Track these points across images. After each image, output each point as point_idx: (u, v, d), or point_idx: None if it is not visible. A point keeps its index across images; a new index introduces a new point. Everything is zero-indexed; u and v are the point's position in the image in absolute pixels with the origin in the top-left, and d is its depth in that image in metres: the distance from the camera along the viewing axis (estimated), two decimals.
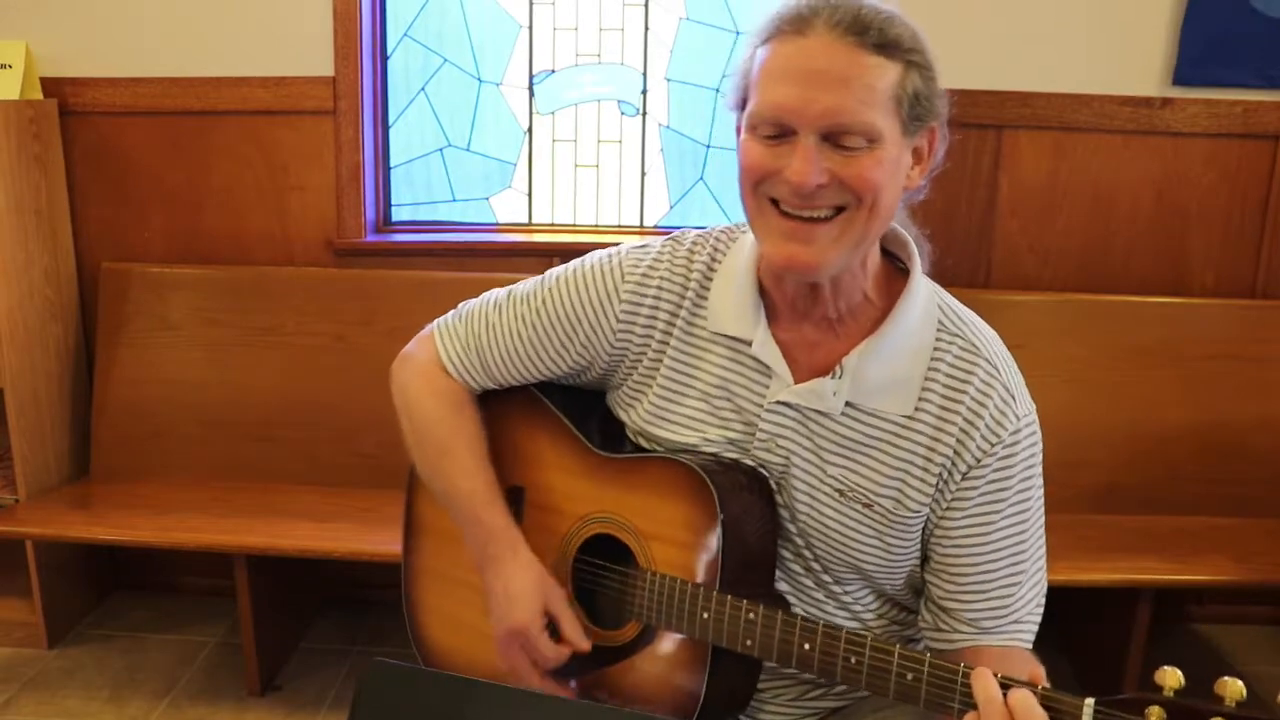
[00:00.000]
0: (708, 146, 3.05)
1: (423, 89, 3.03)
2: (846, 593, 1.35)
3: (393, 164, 3.07)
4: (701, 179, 3.07)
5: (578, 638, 1.36)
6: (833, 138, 1.13)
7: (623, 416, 1.42)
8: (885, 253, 1.31)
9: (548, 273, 1.43)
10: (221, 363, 2.88)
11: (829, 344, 1.28)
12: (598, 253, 1.41)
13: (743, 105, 1.20)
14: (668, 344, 1.35)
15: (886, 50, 1.13)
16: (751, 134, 1.19)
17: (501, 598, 1.37)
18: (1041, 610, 1.31)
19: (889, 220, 1.22)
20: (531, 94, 3.04)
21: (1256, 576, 2.46)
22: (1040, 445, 1.29)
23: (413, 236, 3.04)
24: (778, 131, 1.15)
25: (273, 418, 2.87)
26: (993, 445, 1.24)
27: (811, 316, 1.28)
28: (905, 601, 1.39)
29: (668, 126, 3.05)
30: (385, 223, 3.08)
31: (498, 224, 3.12)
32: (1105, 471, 2.74)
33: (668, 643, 1.33)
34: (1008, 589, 1.28)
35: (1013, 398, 1.26)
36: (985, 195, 2.86)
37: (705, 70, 3.00)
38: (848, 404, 1.27)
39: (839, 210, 1.16)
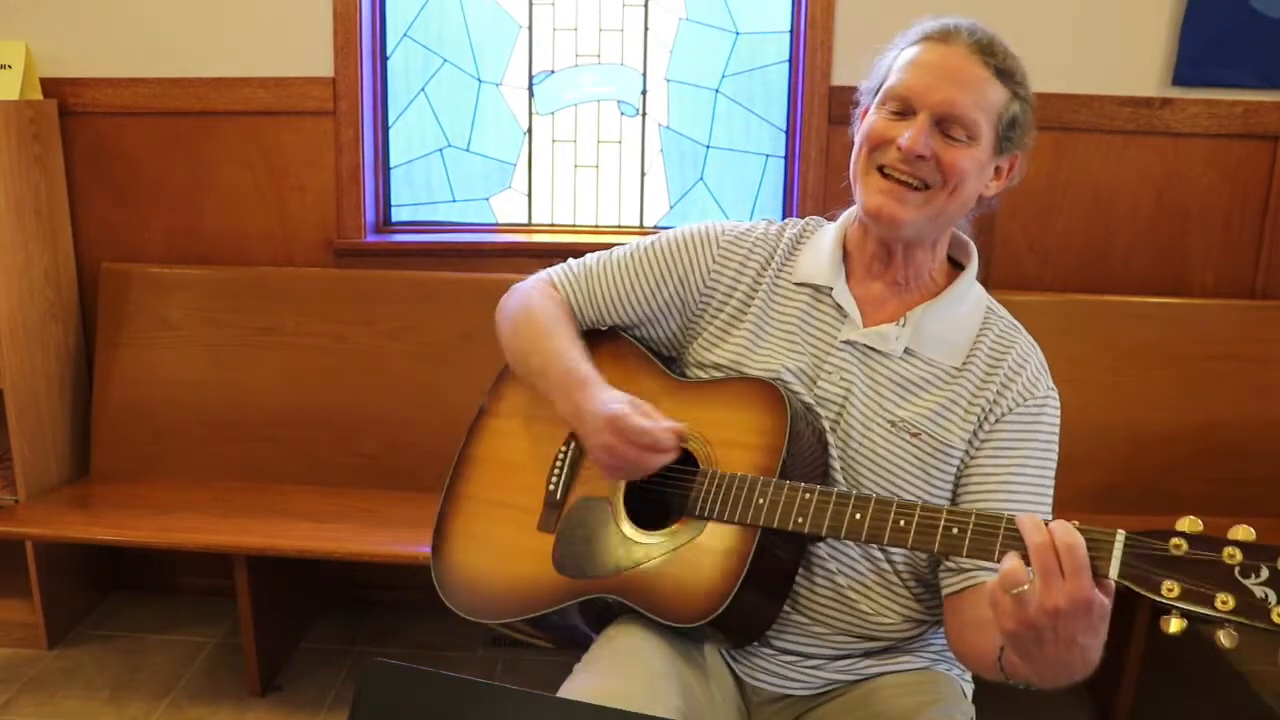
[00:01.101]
0: (707, 147, 3.05)
1: (423, 89, 3.04)
2: (880, 547, 1.45)
3: (393, 164, 3.08)
4: (701, 179, 3.08)
5: (671, 422, 1.43)
6: (943, 124, 1.41)
7: (707, 356, 1.58)
8: (949, 258, 1.57)
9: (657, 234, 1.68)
10: (222, 363, 2.88)
11: (895, 302, 1.53)
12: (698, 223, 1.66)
13: (875, 92, 1.48)
14: (756, 294, 1.58)
15: (1003, 76, 1.42)
16: (879, 109, 1.46)
17: (593, 407, 1.46)
18: None
19: (963, 210, 1.47)
20: (531, 94, 3.04)
21: None
22: (1059, 425, 1.49)
23: (413, 237, 3.04)
24: (902, 108, 1.43)
25: (273, 418, 2.87)
26: (1025, 400, 1.47)
27: (884, 278, 1.53)
28: (927, 577, 1.48)
29: (667, 127, 3.05)
30: (385, 223, 3.08)
31: (498, 224, 3.12)
32: (1105, 472, 2.74)
33: (716, 532, 1.40)
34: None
35: (1045, 371, 1.52)
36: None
37: (705, 71, 3.01)
38: (906, 349, 1.49)
39: (928, 187, 1.42)
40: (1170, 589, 1.08)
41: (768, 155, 3.04)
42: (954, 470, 1.46)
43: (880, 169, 1.44)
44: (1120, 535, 1.12)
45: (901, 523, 1.27)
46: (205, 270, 2.93)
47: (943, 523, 1.24)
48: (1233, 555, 1.06)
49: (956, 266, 1.58)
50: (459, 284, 2.85)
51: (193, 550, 2.56)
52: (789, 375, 1.50)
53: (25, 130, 2.73)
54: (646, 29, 2.99)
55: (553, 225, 3.12)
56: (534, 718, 1.08)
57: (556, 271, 1.71)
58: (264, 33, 2.85)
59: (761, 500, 1.36)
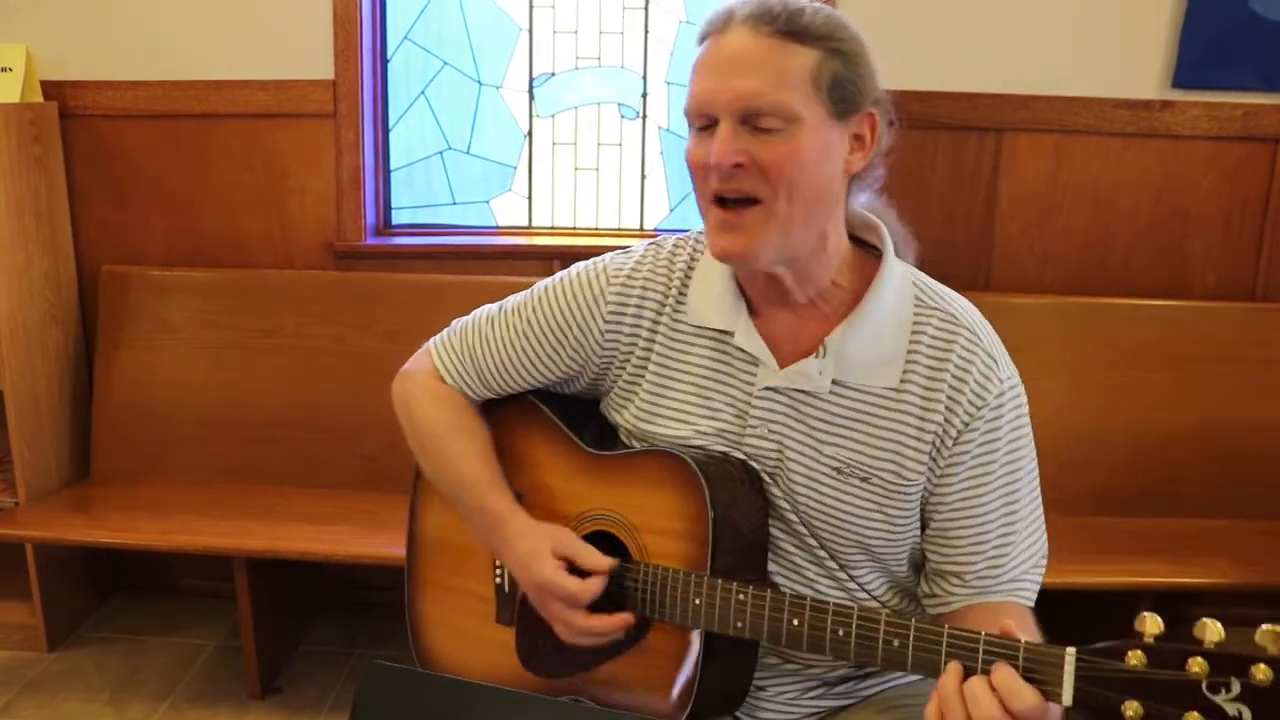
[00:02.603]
0: None
1: (423, 92, 3.04)
2: (853, 578, 1.37)
3: (393, 167, 3.08)
4: None
5: (597, 562, 1.35)
6: (750, 120, 1.20)
7: (616, 419, 1.45)
8: (856, 240, 1.35)
9: (536, 285, 1.49)
10: (222, 365, 2.89)
11: (809, 328, 1.32)
12: (583, 263, 1.46)
13: None
14: (654, 342, 1.40)
15: (796, 36, 1.20)
16: (691, 131, 1.26)
17: (519, 568, 1.39)
18: (1042, 571, 1.34)
19: (823, 203, 1.25)
20: (531, 97, 3.05)
21: (1257, 579, 2.46)
22: (1026, 406, 1.32)
23: (413, 239, 3.04)
24: (705, 123, 1.23)
25: (273, 420, 2.87)
26: (979, 409, 1.27)
27: (786, 304, 1.32)
28: (909, 585, 1.41)
29: (668, 129, 3.05)
30: (385, 226, 3.08)
31: (498, 227, 3.13)
32: (1105, 474, 2.74)
33: (662, 634, 1.34)
34: (1001, 548, 1.30)
35: (995, 362, 1.29)
36: (985, 198, 2.86)
37: None
38: (834, 382, 1.30)
39: (758, 201, 1.22)
40: (1133, 710, 0.97)
41: None
42: (916, 503, 1.32)
43: (718, 199, 1.23)
44: (1070, 655, 1.02)
45: (840, 632, 1.19)
46: (205, 272, 2.93)
47: (881, 635, 1.16)
48: (1199, 667, 0.96)
49: (870, 250, 1.36)
50: (459, 286, 2.85)
51: (193, 552, 2.57)
52: (704, 439, 1.36)
53: (25, 132, 2.73)
54: (647, 31, 2.99)
55: (553, 228, 3.12)
56: None
57: (441, 358, 1.52)
58: (264, 35, 2.85)
59: (699, 601, 1.28)
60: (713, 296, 1.36)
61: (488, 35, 3.01)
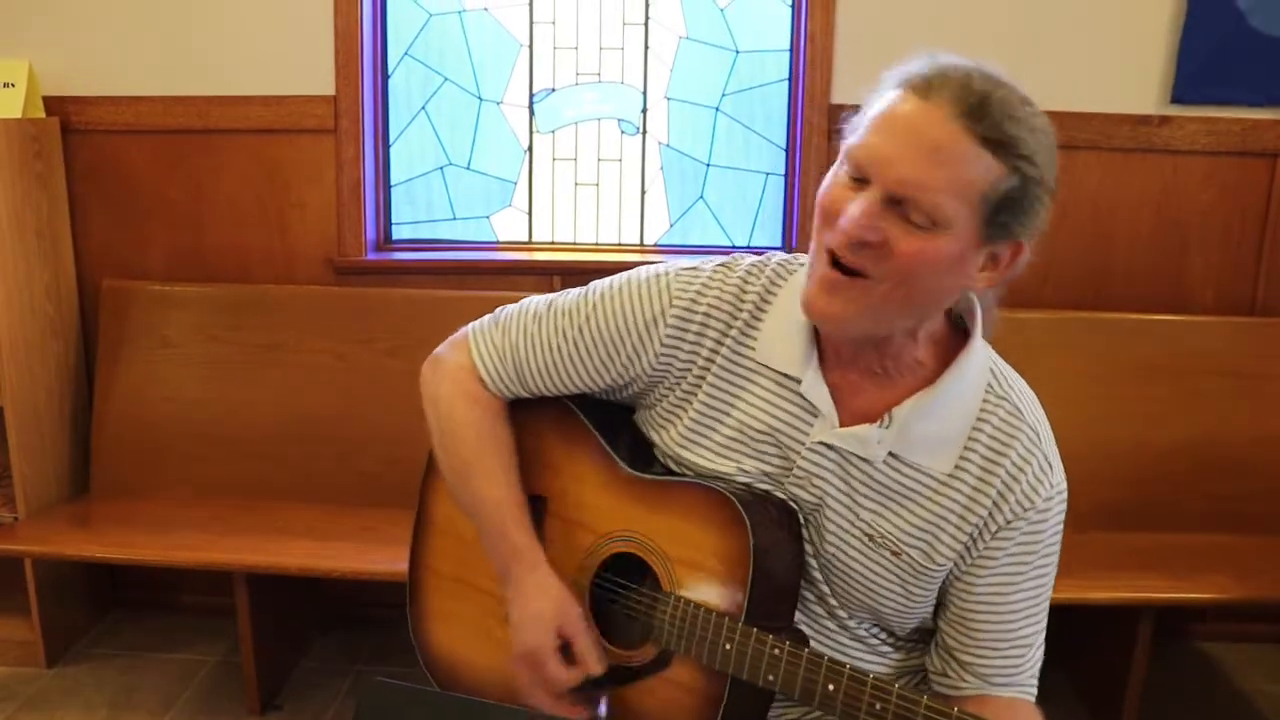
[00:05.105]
0: (708, 165, 3.06)
1: (423, 108, 3.05)
2: (860, 626, 1.36)
3: (393, 182, 3.08)
4: (701, 197, 3.08)
5: (591, 661, 1.34)
6: (901, 205, 1.12)
7: (654, 437, 1.41)
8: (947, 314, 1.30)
9: (591, 286, 1.41)
10: (222, 380, 2.88)
11: (875, 392, 1.28)
12: (644, 270, 1.38)
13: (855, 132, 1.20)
14: (709, 369, 1.33)
15: (995, 146, 1.11)
16: (840, 169, 1.19)
17: (518, 618, 1.37)
18: (1040, 664, 1.34)
19: (924, 306, 1.20)
20: (532, 112, 3.05)
21: (1258, 594, 2.46)
22: (1064, 525, 1.30)
23: (413, 255, 3.05)
24: (858, 174, 1.15)
25: (273, 436, 2.87)
26: (1025, 510, 1.26)
27: (857, 365, 1.28)
28: (911, 640, 1.41)
29: (668, 145, 3.06)
30: (386, 241, 3.08)
31: (498, 242, 3.13)
32: (1105, 489, 2.74)
33: (685, 669, 1.32)
34: (1021, 648, 1.31)
35: (1050, 467, 1.27)
36: None
37: (705, 89, 3.01)
38: (890, 454, 1.27)
39: (867, 276, 1.15)
40: None
41: (768, 173, 3.05)
42: (937, 584, 1.31)
43: (829, 251, 1.17)
44: None
45: (878, 706, 1.16)
46: (206, 287, 2.93)
47: (920, 718, 1.14)
48: None
49: (957, 323, 1.31)
50: (459, 302, 2.85)
51: (193, 568, 2.56)
52: (746, 478, 1.32)
53: (28, 148, 2.74)
54: (647, 47, 3.00)
55: (553, 243, 3.13)
56: None
57: (480, 352, 1.44)
58: (266, 51, 2.86)
59: (729, 646, 1.25)
60: (786, 339, 1.30)
61: (488, 51, 3.02)
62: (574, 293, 1.42)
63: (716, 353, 1.33)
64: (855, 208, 1.13)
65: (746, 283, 1.33)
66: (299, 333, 2.88)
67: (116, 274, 2.95)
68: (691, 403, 1.35)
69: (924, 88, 1.13)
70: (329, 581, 2.80)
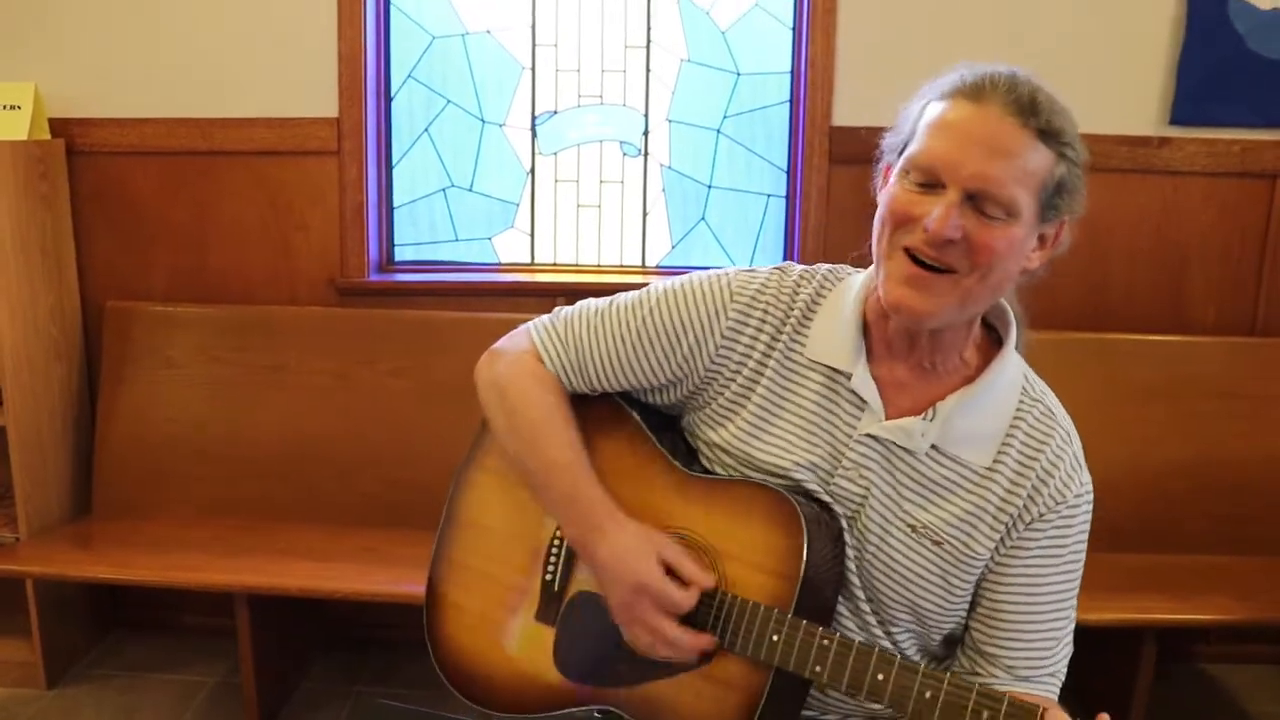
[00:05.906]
0: (709, 187, 3.07)
1: (426, 130, 3.06)
2: (890, 636, 1.39)
3: (396, 204, 3.10)
4: (703, 219, 3.09)
5: (701, 576, 1.36)
6: (976, 201, 1.22)
7: (709, 436, 1.44)
8: (984, 323, 1.40)
9: (649, 286, 1.48)
10: (224, 401, 2.89)
11: (919, 387, 1.36)
12: (701, 273, 1.46)
13: (899, 150, 1.29)
14: (766, 366, 1.41)
15: (1046, 137, 1.23)
16: (902, 179, 1.27)
17: (611, 560, 1.38)
18: (1065, 671, 1.38)
19: (999, 292, 1.30)
20: (534, 134, 3.07)
21: (1259, 615, 2.45)
22: (1090, 522, 1.38)
23: (416, 276, 3.06)
24: (928, 180, 1.24)
25: (275, 456, 2.87)
26: (1058, 503, 1.33)
27: (907, 360, 1.36)
28: (939, 654, 1.44)
29: (669, 167, 3.07)
30: (388, 262, 3.09)
31: (500, 264, 3.14)
32: (1106, 510, 2.68)
33: (725, 663, 1.35)
34: (1048, 641, 1.35)
35: (1080, 467, 1.36)
36: None
37: (706, 111, 3.03)
38: (933, 446, 1.34)
39: (954, 271, 1.24)
40: None
41: (769, 195, 3.06)
42: (976, 576, 1.37)
43: (906, 251, 1.25)
44: None
45: (927, 694, 1.22)
46: (209, 309, 2.94)
47: (971, 704, 1.19)
48: None
49: (993, 335, 1.41)
50: (462, 323, 2.86)
51: (194, 589, 2.56)
52: (801, 472, 1.37)
53: (33, 170, 2.75)
54: (648, 70, 3.02)
55: (555, 265, 3.14)
56: None
57: (543, 341, 1.50)
58: (269, 73, 2.88)
59: (776, 638, 1.29)
60: (836, 337, 1.38)
61: (490, 74, 3.04)
62: (632, 293, 1.49)
63: (771, 350, 1.41)
64: (939, 209, 1.21)
65: (799, 286, 1.42)
66: (301, 354, 2.89)
67: (120, 295, 2.96)
68: (750, 398, 1.41)
69: (975, 93, 1.24)
70: (330, 602, 2.79)
